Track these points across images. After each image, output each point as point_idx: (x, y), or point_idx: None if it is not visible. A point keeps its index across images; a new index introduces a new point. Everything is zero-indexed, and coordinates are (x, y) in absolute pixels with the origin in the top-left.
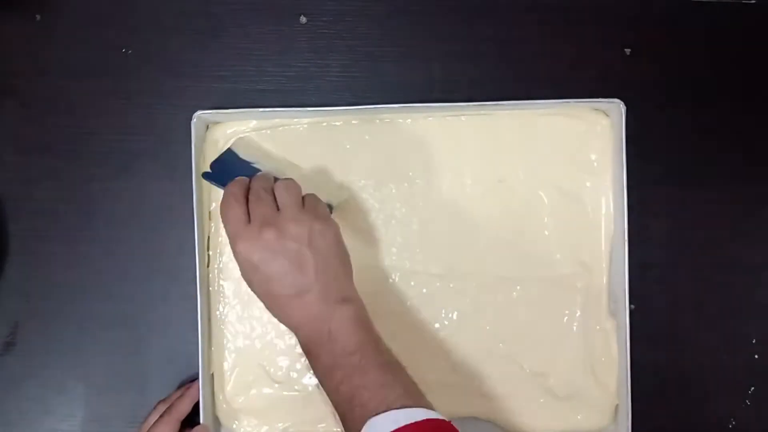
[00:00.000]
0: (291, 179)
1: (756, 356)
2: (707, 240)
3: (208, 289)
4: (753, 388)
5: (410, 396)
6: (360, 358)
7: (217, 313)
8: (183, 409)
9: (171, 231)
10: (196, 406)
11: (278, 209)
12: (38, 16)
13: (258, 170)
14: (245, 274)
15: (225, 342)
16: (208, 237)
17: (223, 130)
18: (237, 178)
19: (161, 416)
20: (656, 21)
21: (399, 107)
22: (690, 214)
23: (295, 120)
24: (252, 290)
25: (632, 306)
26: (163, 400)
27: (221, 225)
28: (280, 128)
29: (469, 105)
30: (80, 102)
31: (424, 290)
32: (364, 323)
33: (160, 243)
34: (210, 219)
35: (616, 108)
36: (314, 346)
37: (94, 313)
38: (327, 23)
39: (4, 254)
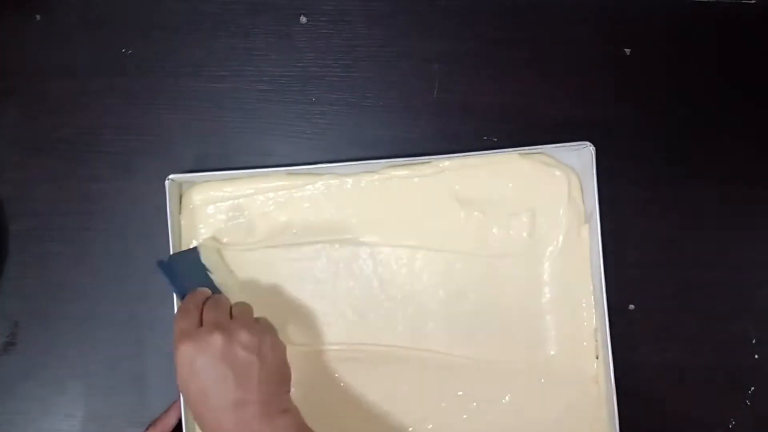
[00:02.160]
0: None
1: (756, 356)
2: (707, 240)
3: None
4: (753, 388)
5: None
6: None
7: None
8: (168, 422)
9: None
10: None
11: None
12: (38, 16)
13: (211, 280)
14: (182, 381)
15: None
16: None
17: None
18: (197, 291)
19: (147, 429)
20: (656, 21)
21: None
22: (690, 214)
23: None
24: (187, 402)
25: (632, 306)
26: (153, 423)
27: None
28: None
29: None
30: (80, 102)
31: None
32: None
33: (160, 243)
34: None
35: (587, 151)
36: None
37: (94, 313)
38: (327, 23)
39: (4, 254)
